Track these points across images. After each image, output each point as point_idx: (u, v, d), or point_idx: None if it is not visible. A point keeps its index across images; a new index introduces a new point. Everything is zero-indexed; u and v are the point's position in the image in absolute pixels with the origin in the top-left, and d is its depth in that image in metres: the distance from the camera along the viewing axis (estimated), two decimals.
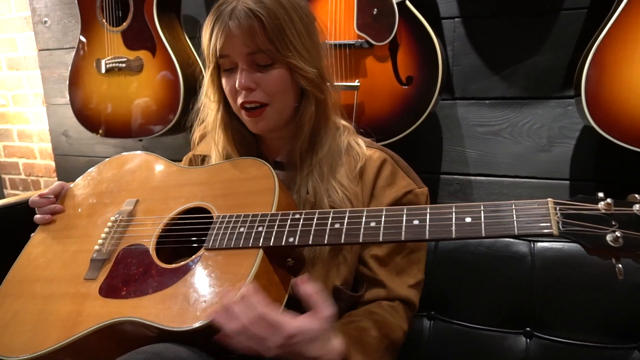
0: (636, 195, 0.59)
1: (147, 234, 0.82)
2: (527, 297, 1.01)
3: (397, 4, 1.16)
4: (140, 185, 0.93)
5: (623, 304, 0.96)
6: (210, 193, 0.83)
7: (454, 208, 0.65)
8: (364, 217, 0.69)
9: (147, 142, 1.84)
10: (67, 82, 1.61)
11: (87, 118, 1.62)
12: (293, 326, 0.64)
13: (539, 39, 1.26)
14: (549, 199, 0.61)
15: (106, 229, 0.86)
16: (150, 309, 0.71)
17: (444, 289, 1.09)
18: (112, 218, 0.88)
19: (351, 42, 1.21)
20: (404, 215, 0.67)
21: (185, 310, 0.68)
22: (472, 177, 1.39)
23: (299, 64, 0.80)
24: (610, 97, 1.04)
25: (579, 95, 1.07)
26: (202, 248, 0.76)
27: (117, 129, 1.59)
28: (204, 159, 0.99)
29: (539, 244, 1.03)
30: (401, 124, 1.22)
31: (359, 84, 1.22)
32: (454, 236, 0.63)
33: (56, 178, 2.13)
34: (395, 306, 0.84)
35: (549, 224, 0.59)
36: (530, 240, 1.03)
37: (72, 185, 1.00)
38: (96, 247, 0.84)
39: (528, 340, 1.01)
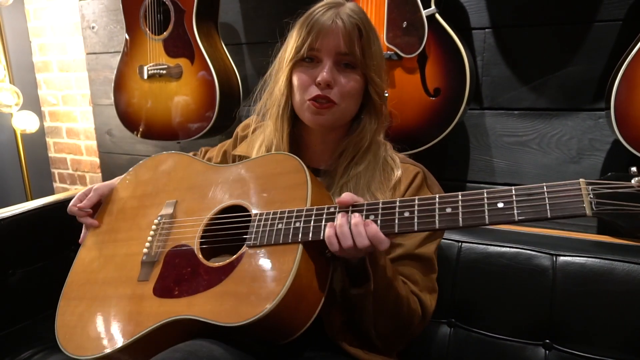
0: None
1: (190, 235, 0.88)
2: (547, 310, 1.02)
3: (427, 17, 1.18)
4: (177, 186, 0.98)
5: None
6: (245, 190, 0.87)
7: (485, 194, 0.65)
8: (397, 208, 0.72)
9: (184, 144, 1.93)
10: (112, 85, 1.72)
11: (129, 119, 1.72)
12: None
13: (571, 50, 1.25)
14: (580, 179, 0.60)
15: (151, 232, 0.93)
16: (203, 307, 0.76)
17: (465, 297, 1.11)
18: (155, 221, 0.94)
19: None
20: (437, 204, 0.68)
21: (237, 306, 0.73)
22: (499, 187, 1.39)
23: (376, 78, 0.88)
24: None
25: (609, 109, 1.07)
26: (245, 246, 0.80)
27: (156, 131, 1.68)
28: (240, 159, 1.03)
29: (561, 258, 1.03)
30: (428, 134, 1.25)
31: (387, 94, 1.25)
32: (487, 222, 0.64)
33: (100, 174, 2.26)
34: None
35: (582, 205, 0.58)
36: (552, 254, 1.04)
37: (112, 188, 1.06)
38: (144, 250, 0.91)
39: (547, 352, 1.02)
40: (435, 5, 1.18)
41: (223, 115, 1.57)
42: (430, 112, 1.23)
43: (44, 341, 1.31)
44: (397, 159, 0.94)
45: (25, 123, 2.15)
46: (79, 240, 1.04)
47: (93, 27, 2.05)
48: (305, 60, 0.88)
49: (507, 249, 1.08)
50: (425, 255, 0.89)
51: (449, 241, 1.13)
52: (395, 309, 0.82)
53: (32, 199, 1.89)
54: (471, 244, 1.12)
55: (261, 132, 1.01)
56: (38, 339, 1.32)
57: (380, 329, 0.83)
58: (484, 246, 1.11)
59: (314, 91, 0.86)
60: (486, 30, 1.33)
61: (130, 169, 1.09)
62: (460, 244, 1.13)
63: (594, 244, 1.10)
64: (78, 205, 1.02)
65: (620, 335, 0.97)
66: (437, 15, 1.19)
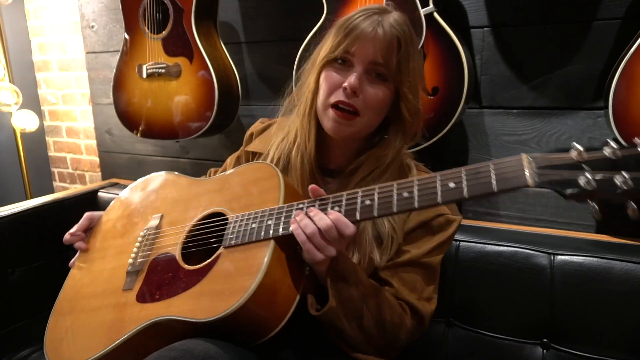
0: (608, 140, 0.61)
1: (172, 243, 0.90)
2: (545, 309, 1.02)
3: (425, 15, 1.18)
4: (163, 201, 1.02)
5: None
6: (225, 198, 0.90)
7: (438, 176, 0.69)
8: (359, 197, 0.75)
9: (183, 143, 1.93)
10: (112, 85, 1.72)
11: (128, 119, 1.72)
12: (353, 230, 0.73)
13: (570, 49, 1.25)
14: (522, 154, 0.65)
15: (137, 244, 0.95)
16: (181, 307, 0.78)
17: (463, 296, 1.11)
18: (141, 233, 0.96)
19: None
20: (394, 190, 0.72)
21: (212, 303, 0.75)
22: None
23: (409, 95, 0.85)
24: (639, 112, 1.03)
25: (607, 107, 1.07)
26: (221, 247, 0.83)
27: (155, 130, 1.68)
28: (255, 156, 1.04)
29: (559, 257, 1.03)
30: (427, 132, 1.25)
31: None
32: (440, 201, 0.68)
33: (100, 173, 2.26)
34: (401, 304, 0.86)
35: (524, 177, 0.62)
36: (550, 253, 1.04)
37: (103, 213, 1.10)
38: (130, 260, 0.93)
39: (545, 351, 1.03)
40: (434, 4, 1.18)
41: (222, 114, 1.57)
42: (428, 111, 1.23)
43: (42, 340, 1.32)
44: (413, 167, 0.94)
45: (25, 122, 2.15)
46: (69, 264, 1.05)
47: (93, 26, 2.05)
48: (338, 62, 0.86)
49: (505, 248, 1.08)
50: (430, 264, 0.90)
51: None
52: (379, 324, 0.82)
53: (31, 198, 1.89)
54: (469, 243, 1.12)
55: (278, 128, 1.01)
56: (36, 338, 1.32)
57: (370, 343, 0.83)
58: (482, 245, 1.11)
59: (339, 95, 0.84)
60: (485, 29, 1.33)
61: (120, 192, 1.12)
62: (458, 243, 1.13)
63: (592, 243, 1.10)
64: (70, 232, 1.05)
65: (618, 335, 0.97)
66: (436, 14, 1.18)
